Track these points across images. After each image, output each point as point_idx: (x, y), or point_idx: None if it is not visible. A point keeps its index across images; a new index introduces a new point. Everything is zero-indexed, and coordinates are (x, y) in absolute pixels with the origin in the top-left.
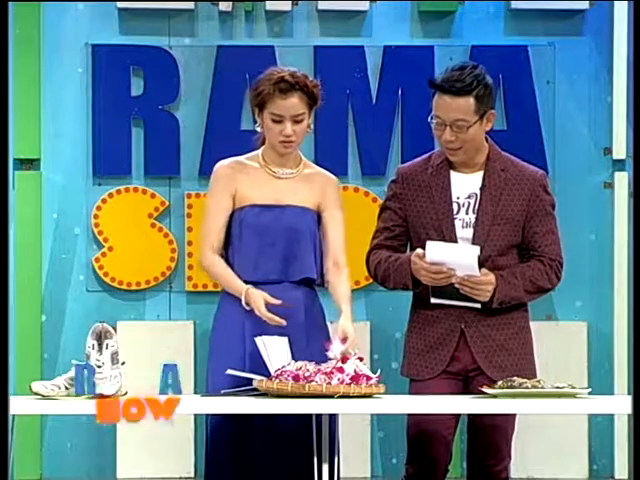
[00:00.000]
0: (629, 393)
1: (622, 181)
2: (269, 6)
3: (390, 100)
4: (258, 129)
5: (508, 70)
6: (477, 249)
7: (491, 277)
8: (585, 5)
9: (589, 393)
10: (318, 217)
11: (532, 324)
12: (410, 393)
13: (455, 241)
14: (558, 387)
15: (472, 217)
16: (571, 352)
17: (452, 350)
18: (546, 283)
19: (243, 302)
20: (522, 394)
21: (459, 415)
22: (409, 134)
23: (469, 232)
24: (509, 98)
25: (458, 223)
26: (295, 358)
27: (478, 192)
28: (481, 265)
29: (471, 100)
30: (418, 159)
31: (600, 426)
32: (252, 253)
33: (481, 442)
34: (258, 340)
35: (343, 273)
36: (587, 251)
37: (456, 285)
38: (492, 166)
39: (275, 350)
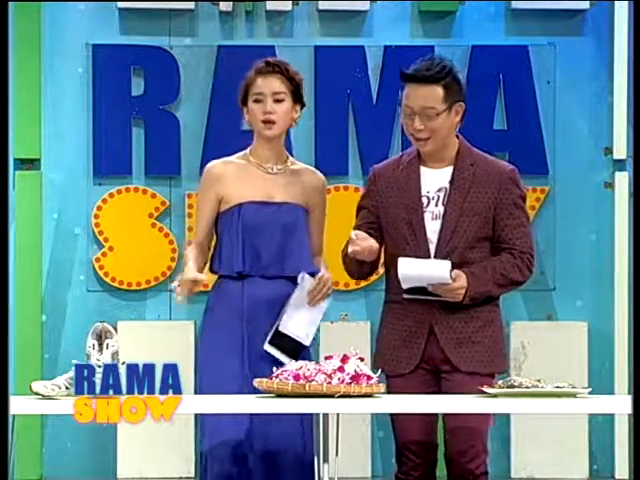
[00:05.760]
0: (629, 393)
1: (622, 181)
2: (269, 6)
3: (390, 100)
4: (247, 126)
5: (508, 70)
6: (449, 264)
7: (462, 282)
8: (585, 5)
9: (589, 393)
10: (306, 213)
11: (532, 324)
12: (387, 387)
13: (424, 233)
14: (558, 387)
15: (441, 209)
16: (571, 352)
17: (423, 345)
18: (517, 276)
19: (175, 283)
20: (522, 394)
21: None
22: None
23: (437, 224)
24: (509, 98)
25: (428, 216)
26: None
27: (448, 186)
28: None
29: (439, 89)
30: (392, 158)
31: (600, 426)
32: (252, 248)
33: (453, 439)
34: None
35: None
36: (587, 251)
37: (429, 289)
38: (462, 161)
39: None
